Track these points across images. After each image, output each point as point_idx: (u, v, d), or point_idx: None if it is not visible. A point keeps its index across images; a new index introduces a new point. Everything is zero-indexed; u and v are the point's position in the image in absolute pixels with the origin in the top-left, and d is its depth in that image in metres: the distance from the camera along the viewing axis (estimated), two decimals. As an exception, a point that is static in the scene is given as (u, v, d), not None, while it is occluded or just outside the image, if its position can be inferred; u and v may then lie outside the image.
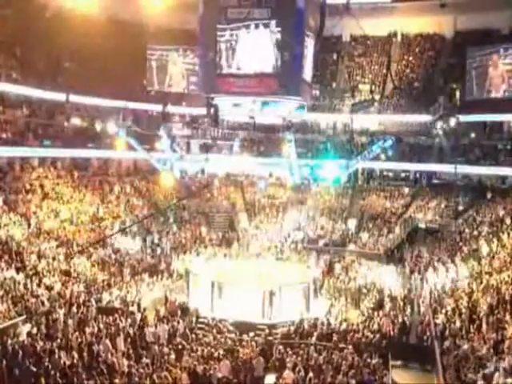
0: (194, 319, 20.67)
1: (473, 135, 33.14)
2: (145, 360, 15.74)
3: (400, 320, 19.38)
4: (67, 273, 22.92)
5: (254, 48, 16.50)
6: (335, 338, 18.35)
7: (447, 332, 17.08)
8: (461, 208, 31.88)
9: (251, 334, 18.85)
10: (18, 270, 21.48)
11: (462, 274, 22.25)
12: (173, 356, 16.34)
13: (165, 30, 36.22)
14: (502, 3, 32.25)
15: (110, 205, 32.37)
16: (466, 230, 27.58)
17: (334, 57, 41.79)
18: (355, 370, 15.26)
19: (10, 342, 16.02)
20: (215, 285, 22.02)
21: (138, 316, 19.87)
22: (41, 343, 16.05)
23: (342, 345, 17.90)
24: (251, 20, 16.24)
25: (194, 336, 18.84)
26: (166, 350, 16.91)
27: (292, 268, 26.13)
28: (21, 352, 15.06)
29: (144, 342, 18.01)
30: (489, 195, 30.57)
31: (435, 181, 35.75)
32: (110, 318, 19.12)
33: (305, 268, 26.79)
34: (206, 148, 32.80)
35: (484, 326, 16.26)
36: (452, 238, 28.51)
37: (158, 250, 29.39)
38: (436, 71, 38.03)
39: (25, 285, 20.58)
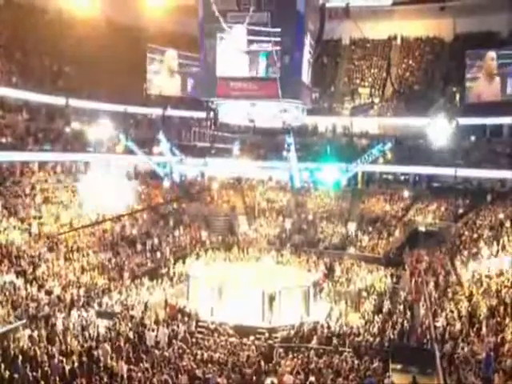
0: (194, 323, 20.63)
1: (473, 138, 33.17)
2: (145, 364, 15.71)
3: (400, 323, 19.37)
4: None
5: (254, 51, 16.49)
6: (335, 341, 18.35)
7: (447, 335, 17.06)
8: (461, 211, 31.86)
9: (251, 337, 18.85)
10: (17, 275, 21.47)
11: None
12: (173, 360, 16.30)
13: (164, 34, 36.32)
14: (500, 6, 32.37)
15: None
16: (466, 233, 27.56)
17: (334, 60, 41.89)
18: (355, 374, 15.24)
19: (10, 346, 15.99)
20: (215, 288, 22.02)
21: (138, 320, 19.83)
22: (41, 348, 16.02)
23: (342, 348, 17.91)
24: (251, 24, 16.23)
25: (194, 340, 18.80)
26: (166, 353, 16.88)
27: (292, 271, 26.09)
28: (21, 356, 15.04)
29: (144, 345, 17.97)
30: (489, 198, 30.57)
31: (435, 184, 35.77)
32: (110, 322, 19.08)
33: (305, 271, 26.76)
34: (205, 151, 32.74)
35: (484, 329, 16.24)
36: (452, 241, 28.49)
37: (158, 254, 29.39)
38: (436, 74, 38.09)
39: (25, 289, 20.56)
